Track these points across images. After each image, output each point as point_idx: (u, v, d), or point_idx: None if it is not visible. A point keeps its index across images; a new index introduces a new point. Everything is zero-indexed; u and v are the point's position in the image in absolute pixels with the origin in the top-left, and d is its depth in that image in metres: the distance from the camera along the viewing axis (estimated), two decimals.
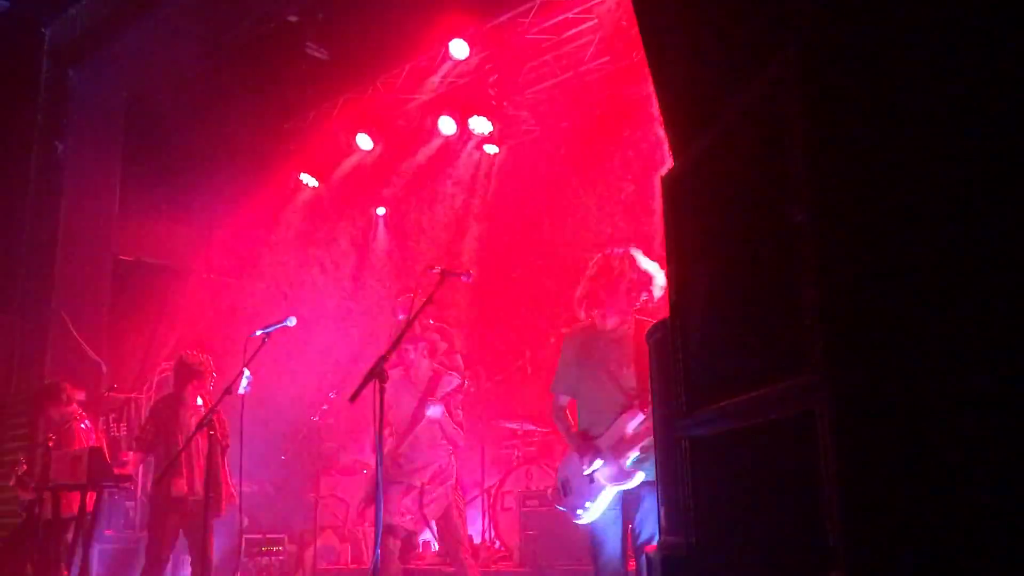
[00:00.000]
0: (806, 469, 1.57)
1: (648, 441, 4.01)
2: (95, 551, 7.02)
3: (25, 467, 7.06)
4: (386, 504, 5.34)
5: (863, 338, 1.48)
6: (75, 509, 6.21)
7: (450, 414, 5.50)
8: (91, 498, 6.02)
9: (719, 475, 2.02)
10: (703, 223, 2.01)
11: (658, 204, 2.21)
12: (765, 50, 1.82)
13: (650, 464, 3.95)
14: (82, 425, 6.81)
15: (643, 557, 2.80)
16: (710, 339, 1.97)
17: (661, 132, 8.18)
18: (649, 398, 4.04)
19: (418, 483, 5.37)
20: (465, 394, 5.82)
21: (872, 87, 1.57)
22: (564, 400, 4.45)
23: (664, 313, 2.28)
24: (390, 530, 5.26)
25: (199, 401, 6.20)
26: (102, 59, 9.66)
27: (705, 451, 2.07)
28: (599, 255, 4.39)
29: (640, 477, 4.05)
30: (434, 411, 5.39)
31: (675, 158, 2.26)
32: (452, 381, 5.57)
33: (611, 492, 4.12)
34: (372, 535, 5.23)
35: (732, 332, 1.86)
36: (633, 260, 4.26)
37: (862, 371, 1.47)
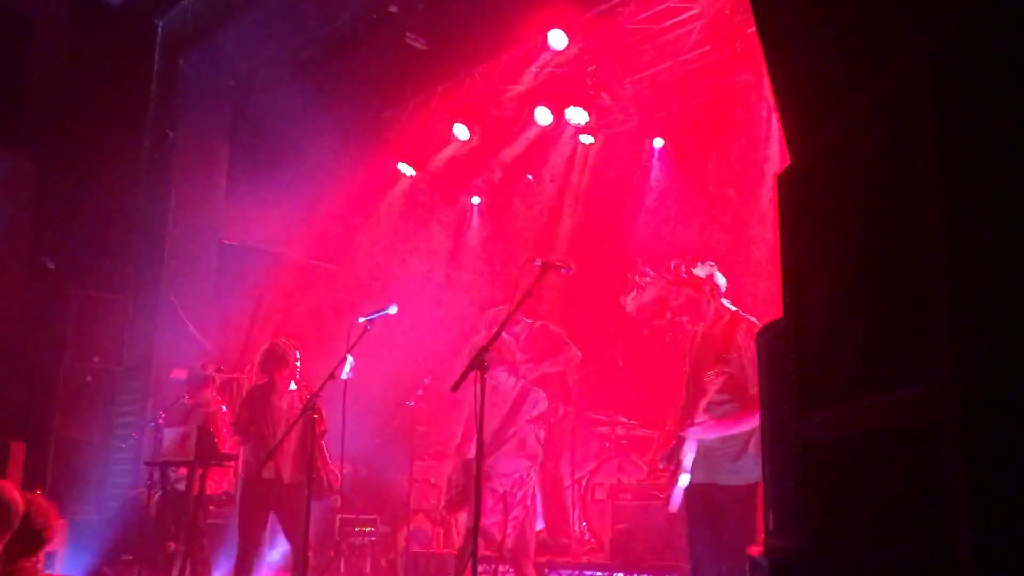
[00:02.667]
0: (928, 478, 1.52)
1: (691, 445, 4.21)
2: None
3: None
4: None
5: (997, 344, 1.42)
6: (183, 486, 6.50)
7: (535, 433, 5.57)
8: (199, 475, 6.26)
9: (832, 479, 1.97)
10: (823, 222, 1.96)
11: (771, 202, 2.16)
12: (893, 45, 1.76)
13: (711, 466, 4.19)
14: (223, 407, 7.25)
15: (747, 560, 2.77)
16: (828, 341, 1.92)
17: (766, 124, 8.00)
18: (702, 402, 4.16)
19: (501, 489, 5.34)
20: (560, 418, 5.81)
21: (1008, 84, 1.51)
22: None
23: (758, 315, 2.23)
24: (478, 532, 5.25)
25: (292, 386, 6.39)
26: (211, 49, 9.97)
27: (818, 454, 2.02)
28: (648, 279, 4.93)
29: (684, 479, 4.19)
30: (518, 429, 5.46)
31: (792, 154, 2.21)
32: (540, 404, 5.60)
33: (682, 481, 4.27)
34: (463, 523, 5.23)
35: (853, 335, 1.81)
36: (680, 275, 4.55)
37: (995, 379, 1.41)
